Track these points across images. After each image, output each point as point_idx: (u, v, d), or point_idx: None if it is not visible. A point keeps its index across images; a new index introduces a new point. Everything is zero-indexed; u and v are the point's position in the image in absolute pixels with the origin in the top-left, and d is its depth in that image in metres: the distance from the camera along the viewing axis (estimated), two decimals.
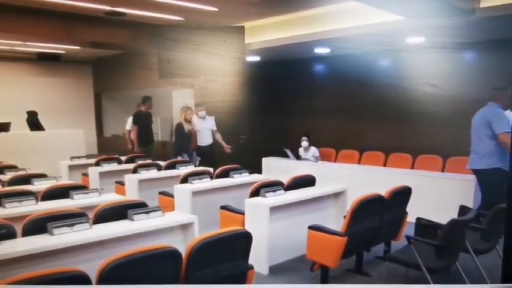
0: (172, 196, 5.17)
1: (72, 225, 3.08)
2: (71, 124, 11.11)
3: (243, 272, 2.95)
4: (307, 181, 5.02)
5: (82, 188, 4.55)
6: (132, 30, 8.07)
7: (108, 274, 2.31)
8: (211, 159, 7.32)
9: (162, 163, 6.56)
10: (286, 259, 4.44)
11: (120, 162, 7.10)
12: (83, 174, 6.96)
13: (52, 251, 2.85)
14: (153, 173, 5.98)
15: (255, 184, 4.69)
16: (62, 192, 4.30)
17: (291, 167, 7.29)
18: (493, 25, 5.75)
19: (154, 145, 8.52)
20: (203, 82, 8.74)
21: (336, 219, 4.81)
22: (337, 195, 4.95)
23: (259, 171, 7.41)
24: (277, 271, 4.26)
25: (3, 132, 8.80)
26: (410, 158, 7.40)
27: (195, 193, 4.97)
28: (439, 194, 5.82)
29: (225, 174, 5.64)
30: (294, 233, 4.32)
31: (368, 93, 7.98)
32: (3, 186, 5.05)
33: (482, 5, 5.34)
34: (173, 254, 2.57)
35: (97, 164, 6.87)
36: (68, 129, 10.32)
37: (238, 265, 2.91)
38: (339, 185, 5.00)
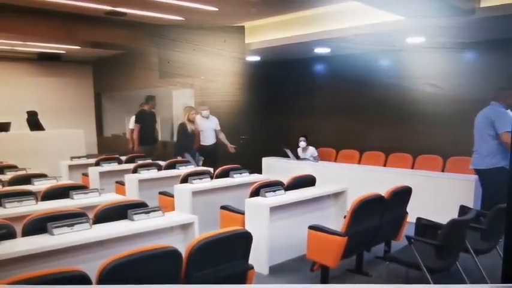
0: (172, 196, 5.17)
1: (72, 225, 3.08)
2: (71, 124, 11.13)
3: (243, 272, 2.95)
4: (307, 181, 5.02)
5: (82, 188, 4.55)
6: (133, 30, 8.07)
7: (108, 274, 2.31)
8: (214, 159, 7.32)
9: (162, 163, 6.57)
10: (286, 259, 4.44)
11: (120, 162, 7.10)
12: (83, 174, 6.96)
13: (52, 251, 2.85)
14: (153, 173, 5.98)
15: (255, 184, 4.69)
16: (62, 192, 4.30)
17: (291, 167, 7.29)
18: (493, 25, 5.75)
19: (156, 145, 8.50)
20: (203, 82, 8.74)
21: (336, 219, 4.81)
22: (337, 195, 4.94)
23: (259, 171, 7.42)
24: (278, 271, 4.26)
25: (3, 132, 8.80)
26: (411, 158, 7.40)
27: (195, 193, 4.97)
28: (439, 194, 5.82)
29: (225, 174, 5.64)
30: (294, 233, 4.32)
31: (368, 93, 7.98)
32: (3, 186, 5.05)
33: (483, 5, 5.34)
34: (173, 254, 2.57)
35: (97, 164, 6.87)
36: (68, 129, 10.34)
37: (238, 265, 2.91)
38: (339, 185, 5.00)
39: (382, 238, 4.38)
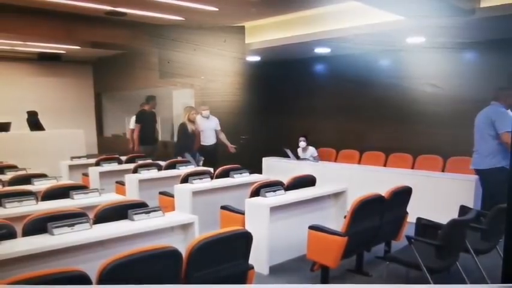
0: (172, 196, 5.17)
1: (72, 225, 3.08)
2: (71, 124, 11.13)
3: (243, 272, 2.95)
4: (308, 181, 5.02)
5: (82, 188, 4.55)
6: (133, 30, 8.07)
7: (109, 274, 2.31)
8: (214, 159, 7.32)
9: (163, 163, 6.57)
10: (286, 259, 4.44)
11: (120, 162, 7.10)
12: (83, 174, 6.96)
13: (52, 251, 2.85)
14: (153, 173, 5.98)
15: (255, 184, 4.69)
16: (62, 192, 4.30)
17: (291, 167, 7.29)
18: (493, 25, 5.75)
19: (157, 145, 8.49)
20: (203, 82, 8.74)
21: (336, 219, 4.81)
22: (337, 195, 4.94)
23: (260, 171, 7.42)
24: (278, 271, 4.26)
25: (3, 132, 8.80)
26: (411, 158, 7.40)
27: (196, 193, 4.97)
28: (439, 194, 5.82)
29: (225, 174, 5.64)
30: (294, 233, 4.32)
31: (368, 93, 7.98)
32: (3, 186, 5.05)
33: (483, 5, 5.34)
34: (173, 254, 2.57)
35: (97, 164, 6.87)
36: (68, 129, 10.34)
37: (238, 265, 2.91)
38: (339, 185, 5.00)
39: (382, 238, 4.38)
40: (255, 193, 4.55)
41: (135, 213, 3.40)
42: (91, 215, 3.41)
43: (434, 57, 6.89)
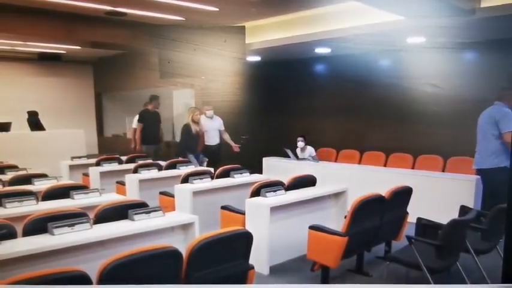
0: (172, 196, 5.17)
1: (72, 225, 3.08)
2: (71, 124, 11.12)
3: (243, 272, 2.95)
4: (308, 181, 5.02)
5: (82, 188, 4.55)
6: (133, 30, 8.07)
7: (109, 274, 2.32)
8: (218, 159, 7.31)
9: (163, 163, 6.57)
10: (286, 259, 4.45)
11: (120, 162, 7.10)
12: (84, 174, 6.96)
13: (52, 251, 2.85)
14: (153, 173, 5.99)
15: (256, 184, 4.69)
16: (62, 192, 4.30)
17: (292, 167, 7.29)
18: (494, 25, 5.75)
19: (161, 145, 8.44)
20: (204, 82, 8.74)
21: (336, 219, 4.81)
22: (337, 195, 4.94)
23: (260, 171, 7.42)
24: (278, 271, 4.26)
25: (3, 132, 8.80)
26: (411, 158, 7.40)
27: (196, 193, 4.97)
28: (439, 194, 5.82)
29: (225, 174, 5.64)
30: (294, 233, 4.32)
31: (368, 93, 7.98)
32: (3, 186, 5.05)
33: (483, 5, 5.34)
34: (174, 254, 2.57)
35: (97, 164, 6.87)
36: (68, 129, 10.34)
37: (238, 265, 2.91)
38: (340, 185, 5.00)
39: (383, 238, 4.38)
40: (256, 193, 4.55)
41: (136, 213, 3.40)
42: (91, 215, 3.41)
43: (434, 57, 6.89)
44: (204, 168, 6.45)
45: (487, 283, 3.74)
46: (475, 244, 3.83)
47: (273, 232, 4.20)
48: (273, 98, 9.32)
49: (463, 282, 3.66)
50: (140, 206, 3.60)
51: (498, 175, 4.89)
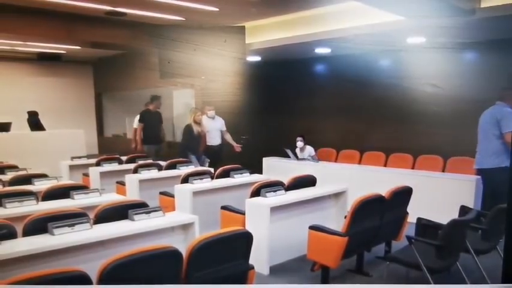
0: (172, 196, 5.17)
1: (72, 225, 3.08)
2: (71, 124, 11.13)
3: (243, 272, 2.95)
4: (308, 181, 5.02)
5: (83, 188, 4.55)
6: (133, 30, 8.07)
7: (109, 274, 2.32)
8: (219, 159, 7.31)
9: (163, 163, 6.57)
10: (286, 259, 4.45)
11: (120, 162, 7.10)
12: (84, 174, 6.96)
13: (53, 251, 2.85)
14: (153, 173, 5.99)
15: (256, 184, 4.69)
16: (62, 192, 4.30)
17: (292, 167, 7.29)
18: (494, 25, 5.75)
19: (162, 145, 8.42)
20: (204, 82, 8.74)
21: (336, 219, 4.82)
22: (337, 195, 4.95)
23: (260, 172, 7.42)
24: (278, 271, 4.26)
25: (3, 132, 8.80)
26: (411, 158, 7.40)
27: (196, 193, 4.97)
28: (439, 194, 5.82)
29: (225, 174, 5.64)
30: (294, 233, 4.32)
31: (368, 93, 7.98)
32: (4, 186, 5.05)
33: (483, 5, 5.34)
34: (174, 254, 2.58)
35: (98, 164, 6.87)
36: (68, 129, 10.34)
37: (238, 265, 2.91)
38: (340, 185, 5.01)
39: (383, 238, 4.38)
40: (256, 193, 4.55)
41: (136, 213, 3.40)
42: (91, 215, 3.41)
43: (434, 57, 6.89)
44: (204, 168, 6.45)
45: (487, 283, 3.74)
46: (475, 244, 3.83)
47: (273, 232, 4.20)
48: (273, 98, 9.32)
49: (463, 282, 3.66)
50: (140, 206, 3.60)
51: (499, 175, 4.88)
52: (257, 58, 8.79)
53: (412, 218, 4.32)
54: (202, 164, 7.07)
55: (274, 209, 4.24)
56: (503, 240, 2.26)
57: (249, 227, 3.80)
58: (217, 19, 7.58)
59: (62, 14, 7.30)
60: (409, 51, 7.14)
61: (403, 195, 4.27)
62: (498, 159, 4.98)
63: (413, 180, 5.30)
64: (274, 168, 7.80)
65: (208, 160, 7.35)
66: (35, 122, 9.61)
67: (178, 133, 9.49)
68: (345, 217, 3.88)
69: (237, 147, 7.72)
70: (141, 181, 5.72)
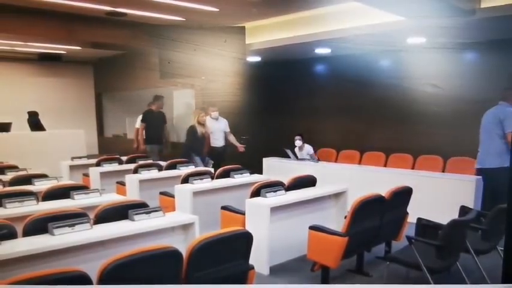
0: (173, 196, 5.17)
1: (73, 225, 3.08)
2: (71, 124, 11.13)
3: (243, 272, 2.95)
4: (308, 181, 5.02)
5: (83, 188, 4.55)
6: (133, 31, 8.07)
7: (109, 274, 2.32)
8: (222, 161, 7.31)
9: (163, 163, 6.57)
10: (286, 259, 4.45)
11: (121, 162, 7.10)
12: (84, 174, 6.96)
13: (53, 251, 2.86)
14: (153, 173, 5.99)
15: (256, 184, 4.69)
16: (62, 193, 4.30)
17: (292, 168, 7.29)
18: (494, 25, 5.75)
19: (164, 145, 8.39)
20: (204, 82, 8.74)
21: (336, 219, 4.82)
22: (337, 195, 4.95)
23: (260, 172, 7.41)
24: (278, 271, 4.26)
25: (4, 133, 8.80)
26: (411, 159, 7.40)
27: (196, 193, 4.98)
28: (439, 195, 5.82)
29: (225, 174, 5.64)
30: (294, 233, 4.32)
31: (369, 94, 7.99)
32: (4, 186, 5.05)
33: (483, 5, 5.35)
34: (174, 254, 2.58)
35: (98, 164, 6.87)
36: (68, 130, 10.33)
37: (238, 265, 2.91)
38: (340, 185, 5.01)
39: (383, 238, 4.38)
40: (256, 193, 4.55)
41: (136, 214, 3.40)
42: (91, 215, 3.41)
43: (434, 57, 6.89)
44: (204, 168, 6.45)
45: (487, 283, 3.74)
46: (475, 244, 3.83)
47: (273, 232, 4.20)
48: (273, 98, 9.32)
49: (463, 282, 3.66)
50: (140, 206, 3.60)
51: (500, 175, 4.88)
52: (257, 58, 8.79)
53: (412, 218, 4.32)
54: (206, 166, 7.06)
55: (274, 209, 4.24)
56: (503, 240, 2.26)
57: (249, 227, 3.80)
58: (218, 19, 7.58)
59: (62, 15, 7.31)
60: (409, 51, 7.14)
61: (403, 195, 4.27)
62: (500, 159, 4.98)
63: (414, 181, 5.30)
64: (274, 168, 7.80)
65: (212, 162, 7.35)
66: (35, 122, 9.61)
67: (178, 133, 9.49)
68: (345, 217, 3.88)
69: (241, 147, 7.72)
70: (141, 181, 5.72)
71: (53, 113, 11.11)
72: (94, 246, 3.07)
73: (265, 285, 3.88)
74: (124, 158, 7.28)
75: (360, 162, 8.04)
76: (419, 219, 4.13)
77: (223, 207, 4.67)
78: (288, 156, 7.85)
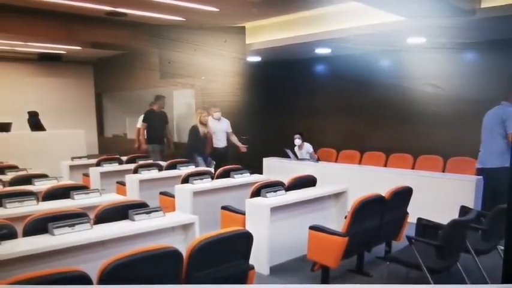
0: (173, 196, 5.17)
1: (73, 225, 3.08)
2: (71, 124, 11.13)
3: (243, 272, 2.95)
4: (308, 181, 5.02)
5: (83, 188, 4.55)
6: (133, 31, 8.07)
7: (109, 274, 2.32)
8: (225, 161, 7.30)
9: (163, 163, 6.56)
10: (287, 259, 4.45)
11: (121, 162, 7.10)
12: (84, 174, 6.96)
13: (53, 251, 2.86)
14: (153, 173, 5.99)
15: (256, 184, 4.69)
16: (62, 193, 4.31)
17: (292, 168, 7.29)
18: (494, 25, 5.75)
19: (165, 145, 8.38)
20: (204, 82, 8.74)
21: (336, 219, 4.81)
22: (338, 195, 4.95)
23: (260, 172, 7.41)
24: (278, 271, 4.26)
25: (4, 133, 8.80)
26: (411, 159, 7.40)
27: (196, 193, 4.98)
28: (439, 195, 5.82)
29: (225, 174, 5.64)
30: (294, 233, 4.32)
31: (369, 94, 7.98)
32: (4, 186, 5.05)
33: (483, 5, 5.35)
34: (174, 254, 2.58)
35: (98, 164, 6.87)
36: (68, 130, 10.33)
37: (239, 265, 2.91)
38: (340, 185, 5.01)
39: (383, 238, 4.38)
40: (256, 193, 4.55)
41: (136, 214, 3.40)
42: (92, 215, 3.41)
43: (434, 57, 6.89)
44: (204, 168, 6.45)
45: (487, 283, 3.74)
46: (475, 244, 3.83)
47: (273, 232, 4.20)
48: (273, 98, 9.32)
49: (463, 282, 3.66)
50: (140, 206, 3.60)
51: (502, 175, 4.88)
52: (257, 58, 8.79)
53: (412, 218, 4.32)
54: (208, 166, 7.05)
55: (275, 209, 4.24)
56: (504, 240, 2.26)
57: (249, 227, 3.81)
58: (218, 19, 7.58)
59: (62, 15, 7.30)
60: (409, 51, 7.14)
61: (403, 195, 4.27)
62: (502, 159, 4.98)
63: (414, 181, 5.30)
64: (275, 168, 7.80)
65: (214, 162, 7.35)
66: (35, 122, 9.61)
67: (178, 133, 9.49)
68: (345, 217, 3.88)
69: (243, 147, 7.72)
70: (142, 181, 5.72)
71: (53, 113, 11.11)
72: (94, 246, 3.07)
73: (265, 285, 3.88)
74: (124, 158, 7.27)
75: (360, 162, 8.04)
76: (419, 219, 4.13)
77: (224, 207, 4.67)
78: (288, 156, 7.85)
